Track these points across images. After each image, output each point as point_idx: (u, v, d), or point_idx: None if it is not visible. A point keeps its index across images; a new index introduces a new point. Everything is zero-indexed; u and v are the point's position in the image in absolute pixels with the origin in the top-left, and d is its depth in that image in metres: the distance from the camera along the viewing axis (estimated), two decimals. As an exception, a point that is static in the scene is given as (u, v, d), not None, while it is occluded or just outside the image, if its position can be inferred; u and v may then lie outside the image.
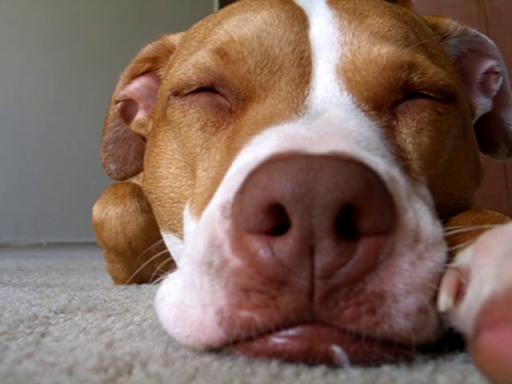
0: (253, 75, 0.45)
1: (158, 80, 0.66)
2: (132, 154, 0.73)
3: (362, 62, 0.45)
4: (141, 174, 0.79)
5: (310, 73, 0.45)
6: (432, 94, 0.46)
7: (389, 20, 0.48)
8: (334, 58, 0.45)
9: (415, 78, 0.45)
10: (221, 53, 0.47)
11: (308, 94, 0.43)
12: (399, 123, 0.45)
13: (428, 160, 0.45)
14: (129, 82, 0.69)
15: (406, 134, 0.44)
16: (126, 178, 0.75)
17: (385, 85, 0.44)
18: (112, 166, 0.73)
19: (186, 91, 0.49)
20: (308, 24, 0.48)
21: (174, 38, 0.64)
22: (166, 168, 0.52)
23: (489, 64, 0.64)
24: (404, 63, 0.45)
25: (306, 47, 0.46)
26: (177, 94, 0.50)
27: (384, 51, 0.45)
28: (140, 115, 0.69)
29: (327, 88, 0.44)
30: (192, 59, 0.49)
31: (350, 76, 0.44)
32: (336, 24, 0.48)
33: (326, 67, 0.45)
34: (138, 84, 0.69)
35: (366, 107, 0.43)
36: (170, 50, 0.64)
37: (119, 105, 0.70)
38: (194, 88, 0.48)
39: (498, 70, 0.64)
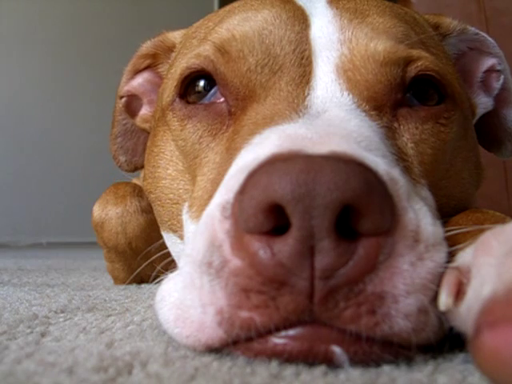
0: (253, 74, 0.45)
1: (160, 76, 0.66)
2: (141, 146, 0.73)
3: (360, 60, 0.45)
4: (141, 174, 0.79)
5: (310, 73, 0.45)
6: (428, 73, 0.46)
7: (389, 19, 0.48)
8: (334, 57, 0.45)
9: (412, 71, 0.45)
10: (222, 50, 0.47)
11: (308, 93, 0.43)
12: (401, 126, 0.44)
13: (430, 168, 0.45)
14: (132, 77, 0.70)
15: (408, 138, 0.44)
16: (135, 170, 0.75)
17: (384, 82, 0.44)
18: (122, 158, 0.74)
19: (191, 94, 0.49)
20: (309, 24, 0.48)
21: (174, 36, 0.64)
22: (165, 169, 0.52)
23: (489, 62, 0.64)
24: (400, 59, 0.45)
25: (307, 47, 0.46)
26: (180, 95, 0.50)
27: (381, 47, 0.45)
28: (144, 110, 0.70)
29: (328, 88, 0.44)
30: (194, 51, 0.49)
31: (350, 75, 0.44)
32: (336, 23, 0.48)
33: (326, 67, 0.45)
34: (141, 79, 0.69)
35: (367, 107, 0.43)
36: (169, 48, 0.64)
37: (124, 100, 0.70)
38: (195, 72, 0.48)
39: (499, 68, 0.64)
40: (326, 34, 0.47)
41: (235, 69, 0.46)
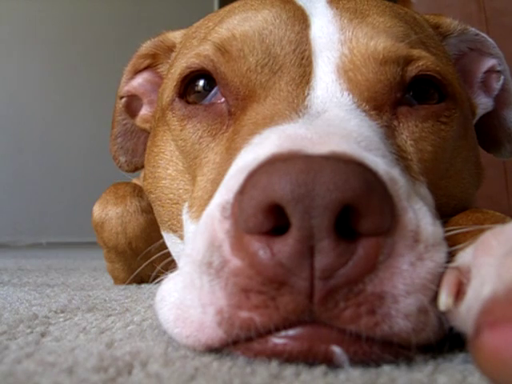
0: (253, 74, 0.45)
1: (160, 76, 0.66)
2: (141, 146, 0.73)
3: (361, 59, 0.45)
4: (141, 174, 0.79)
5: (310, 73, 0.45)
6: (429, 73, 0.46)
7: (389, 19, 0.48)
8: (334, 57, 0.45)
9: (413, 70, 0.45)
10: (222, 50, 0.47)
11: (308, 93, 0.43)
12: (400, 124, 0.44)
13: (430, 165, 0.45)
14: (132, 77, 0.70)
15: (407, 136, 0.44)
16: (136, 170, 0.75)
17: (384, 81, 0.44)
18: (122, 159, 0.74)
19: (190, 94, 0.49)
20: (309, 24, 0.48)
21: (174, 36, 0.64)
22: (165, 169, 0.52)
23: (489, 63, 0.64)
24: (400, 58, 0.45)
25: (307, 47, 0.46)
26: (180, 94, 0.50)
27: (381, 46, 0.45)
28: (144, 111, 0.70)
29: (328, 88, 0.44)
30: (194, 51, 0.49)
31: (350, 76, 0.44)
32: (336, 23, 0.48)
33: (326, 67, 0.45)
34: (141, 79, 0.69)
35: (367, 107, 0.43)
36: (169, 47, 0.64)
37: (124, 100, 0.70)
38: (195, 71, 0.48)
39: (499, 68, 0.64)
40: (326, 34, 0.47)
41: (235, 68, 0.46)
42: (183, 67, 0.50)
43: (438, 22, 0.60)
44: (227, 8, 0.55)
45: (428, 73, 0.46)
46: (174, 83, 0.51)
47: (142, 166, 0.74)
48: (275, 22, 0.47)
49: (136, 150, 0.74)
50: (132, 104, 0.71)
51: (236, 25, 0.48)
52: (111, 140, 0.74)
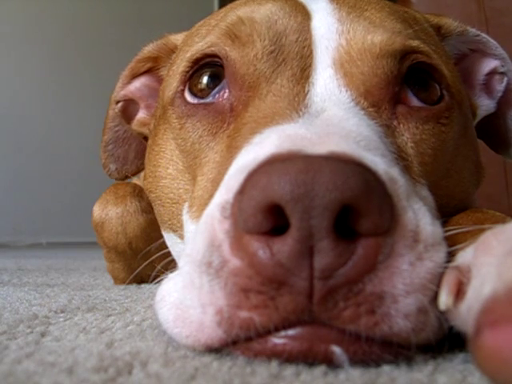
0: (259, 62, 0.45)
1: (159, 80, 0.66)
2: (132, 154, 0.73)
3: (357, 52, 0.45)
4: (141, 174, 0.79)
5: (310, 65, 0.45)
6: (424, 61, 0.46)
7: (387, 15, 0.49)
8: (332, 48, 0.46)
9: (408, 61, 0.45)
10: (232, 36, 0.47)
11: (308, 90, 0.43)
12: (400, 125, 0.44)
13: (430, 168, 0.45)
14: (129, 82, 0.69)
15: (408, 138, 0.44)
16: (126, 178, 0.75)
17: (380, 75, 0.44)
18: (112, 166, 0.73)
19: (192, 90, 0.49)
20: (310, 16, 0.49)
21: (177, 38, 0.64)
22: (165, 168, 0.52)
23: (492, 65, 0.64)
24: (397, 51, 0.45)
25: (308, 36, 0.47)
26: (185, 83, 0.50)
27: (377, 39, 0.45)
28: (141, 114, 0.69)
29: (326, 85, 0.44)
30: (205, 40, 0.49)
31: (347, 68, 0.44)
32: (335, 16, 0.48)
33: (325, 58, 0.45)
34: (138, 84, 0.69)
35: (365, 104, 0.43)
36: (172, 50, 0.64)
37: (120, 105, 0.70)
38: (206, 56, 0.48)
39: (502, 70, 0.64)
40: (325, 25, 0.48)
41: (243, 54, 0.46)
42: (194, 52, 0.50)
43: (439, 22, 0.60)
44: (229, 6, 0.55)
45: (422, 60, 0.46)
46: (181, 69, 0.51)
47: (133, 174, 0.74)
48: (279, 13, 0.48)
49: (126, 158, 0.73)
50: (128, 108, 0.70)
51: (243, 13, 0.48)
52: (102, 147, 0.73)
